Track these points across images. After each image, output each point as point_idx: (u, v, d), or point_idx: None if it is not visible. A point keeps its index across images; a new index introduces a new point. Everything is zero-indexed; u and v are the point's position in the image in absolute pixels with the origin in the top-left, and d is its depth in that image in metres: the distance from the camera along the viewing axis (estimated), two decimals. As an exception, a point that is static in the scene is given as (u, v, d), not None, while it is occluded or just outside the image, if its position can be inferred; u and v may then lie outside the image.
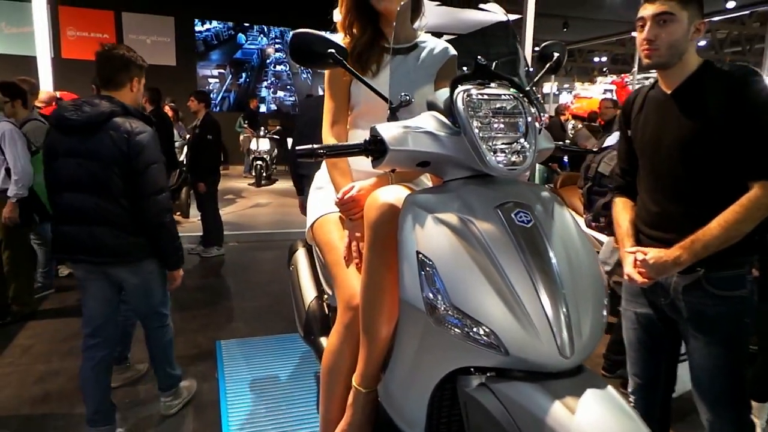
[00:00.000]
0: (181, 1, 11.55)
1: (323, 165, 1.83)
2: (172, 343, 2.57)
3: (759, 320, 2.58)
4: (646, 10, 1.60)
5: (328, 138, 1.72)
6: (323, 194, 1.77)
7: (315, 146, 1.26)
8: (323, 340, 2.08)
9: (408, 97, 1.29)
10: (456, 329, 1.06)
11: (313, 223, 1.74)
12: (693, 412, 2.22)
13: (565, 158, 7.09)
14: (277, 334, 3.44)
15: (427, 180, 1.78)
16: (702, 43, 22.47)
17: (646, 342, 1.84)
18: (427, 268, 1.11)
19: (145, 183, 2.17)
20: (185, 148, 6.48)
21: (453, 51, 1.77)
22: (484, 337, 1.03)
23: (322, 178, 1.82)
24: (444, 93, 1.26)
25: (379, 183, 1.56)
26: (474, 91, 1.19)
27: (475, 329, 1.04)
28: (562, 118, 9.10)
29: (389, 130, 1.21)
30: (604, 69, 21.94)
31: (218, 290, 4.66)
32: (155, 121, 2.46)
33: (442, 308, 1.08)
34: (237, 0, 11.91)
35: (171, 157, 5.14)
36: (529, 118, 1.21)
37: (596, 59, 21.23)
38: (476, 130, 1.16)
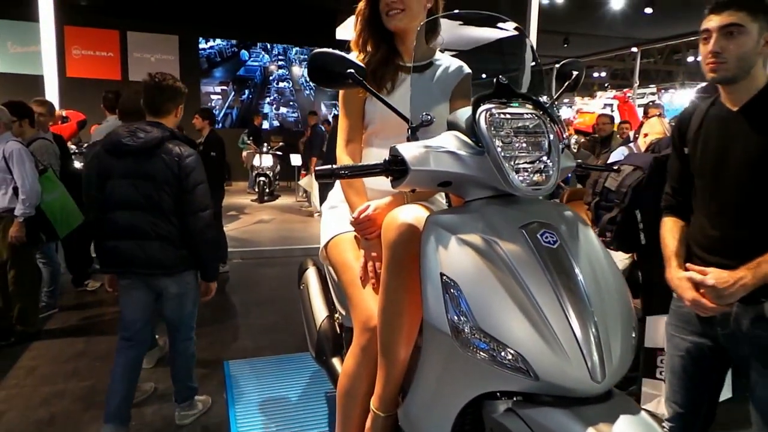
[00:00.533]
0: (186, 21, 11.68)
1: (337, 184, 1.82)
2: (194, 357, 2.67)
3: None
4: (712, 22, 1.52)
5: (343, 156, 1.71)
6: (337, 213, 1.76)
7: (334, 167, 1.25)
8: (335, 361, 2.05)
9: (429, 117, 1.28)
10: (482, 353, 1.04)
11: (328, 242, 1.72)
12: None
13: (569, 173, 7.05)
14: (284, 354, 3.40)
15: (441, 198, 1.77)
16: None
17: (691, 372, 1.72)
18: (452, 290, 1.09)
19: (192, 201, 2.37)
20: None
21: (467, 69, 1.77)
22: (512, 361, 1.01)
23: (335, 197, 1.81)
24: (465, 112, 1.25)
25: (395, 202, 1.55)
26: (496, 111, 1.18)
27: (503, 353, 1.02)
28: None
29: (410, 150, 1.20)
30: (606, 84, 22.05)
31: (223, 308, 4.62)
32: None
33: (468, 331, 1.05)
34: (241, 18, 12.03)
35: None
36: (552, 136, 1.20)
37: (595, 74, 21.34)
38: (499, 149, 1.14)
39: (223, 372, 3.18)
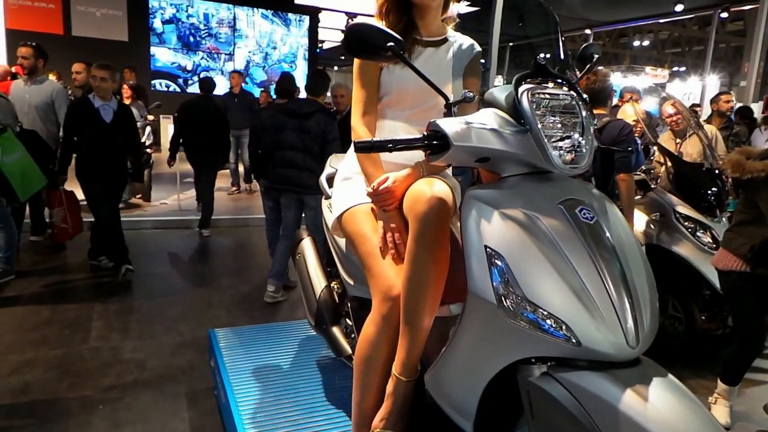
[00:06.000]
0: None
1: (351, 155, 1.82)
2: None
3: (737, 308, 2.77)
4: None
5: (359, 128, 1.70)
6: (352, 185, 1.76)
7: (374, 140, 1.27)
8: (335, 329, 2.09)
9: (471, 95, 1.31)
10: (527, 321, 1.10)
11: (343, 213, 1.72)
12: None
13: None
14: (269, 323, 3.42)
15: (449, 172, 1.81)
16: (646, 43, 23.51)
17: None
18: (497, 262, 1.14)
19: (332, 149, 3.62)
20: (147, 129, 6.22)
21: (478, 48, 1.80)
22: (556, 329, 1.08)
23: (349, 168, 1.81)
24: (502, 90, 1.29)
25: (413, 175, 1.57)
26: (537, 90, 1.22)
27: (547, 321, 1.08)
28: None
29: (451, 126, 1.22)
30: (556, 64, 22.56)
31: (190, 277, 4.55)
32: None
33: (514, 300, 1.11)
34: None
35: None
36: (585, 115, 1.26)
37: (546, 54, 21.87)
38: (540, 128, 1.19)
39: (202, 342, 3.16)
